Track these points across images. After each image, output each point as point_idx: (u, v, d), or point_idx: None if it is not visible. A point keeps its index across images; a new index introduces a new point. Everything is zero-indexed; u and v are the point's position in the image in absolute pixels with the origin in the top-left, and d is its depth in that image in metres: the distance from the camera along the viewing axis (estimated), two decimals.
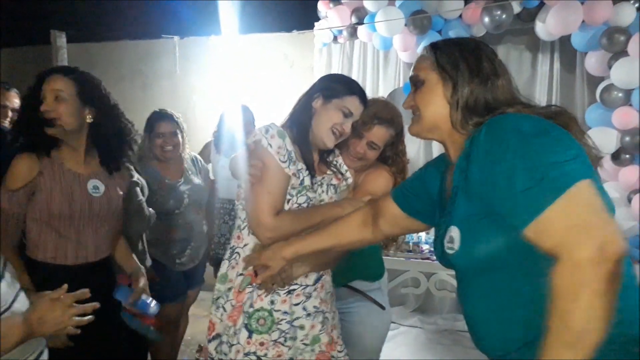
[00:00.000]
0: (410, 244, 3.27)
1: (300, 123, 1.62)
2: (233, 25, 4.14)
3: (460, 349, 3.37)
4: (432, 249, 3.25)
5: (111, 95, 1.84)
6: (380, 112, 1.79)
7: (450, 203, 1.15)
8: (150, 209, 2.29)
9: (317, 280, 1.64)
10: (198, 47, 4.61)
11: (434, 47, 1.20)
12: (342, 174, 1.74)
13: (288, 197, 1.57)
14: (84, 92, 1.73)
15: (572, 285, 0.84)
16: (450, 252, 1.12)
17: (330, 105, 1.60)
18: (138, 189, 2.22)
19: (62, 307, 1.19)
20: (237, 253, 1.63)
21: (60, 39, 4.27)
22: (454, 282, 2.97)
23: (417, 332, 3.65)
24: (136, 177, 2.20)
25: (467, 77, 1.13)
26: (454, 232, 1.10)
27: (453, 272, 1.24)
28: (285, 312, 1.57)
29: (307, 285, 1.62)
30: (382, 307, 1.91)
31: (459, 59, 1.15)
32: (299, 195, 1.58)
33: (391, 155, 1.84)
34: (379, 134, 1.77)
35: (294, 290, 1.59)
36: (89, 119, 1.74)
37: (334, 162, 1.75)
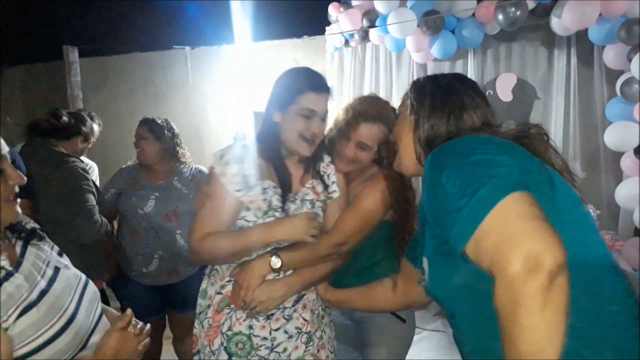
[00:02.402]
0: None
1: (267, 139, 1.54)
2: (244, 34, 4.14)
3: None
4: None
5: None
6: (365, 109, 1.68)
7: (422, 236, 1.15)
8: (103, 218, 2.30)
9: (297, 302, 1.56)
10: (209, 56, 4.61)
11: (414, 82, 1.22)
12: (326, 186, 1.63)
13: (254, 219, 1.49)
14: None
15: (508, 305, 0.78)
16: (423, 284, 1.14)
17: (289, 114, 1.49)
18: (89, 196, 2.26)
19: (133, 335, 1.14)
20: (216, 270, 1.60)
21: (73, 54, 4.29)
22: None
23: (440, 336, 3.58)
24: (88, 184, 2.27)
25: (428, 112, 1.14)
26: (425, 264, 1.10)
27: None
28: (265, 338, 1.52)
29: (286, 308, 1.54)
30: (402, 320, 1.78)
31: (425, 95, 1.16)
32: (265, 217, 1.50)
33: (386, 155, 1.66)
34: (366, 132, 1.64)
35: (273, 314, 1.53)
36: None
37: (322, 172, 1.63)
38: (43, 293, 1.04)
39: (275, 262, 1.49)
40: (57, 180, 2.25)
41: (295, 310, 1.56)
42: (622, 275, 0.96)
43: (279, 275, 1.52)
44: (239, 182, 1.48)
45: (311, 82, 1.51)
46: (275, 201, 1.51)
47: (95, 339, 1.13)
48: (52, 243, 1.18)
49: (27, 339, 0.98)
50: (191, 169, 2.68)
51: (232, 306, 1.53)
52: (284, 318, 1.55)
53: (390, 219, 1.72)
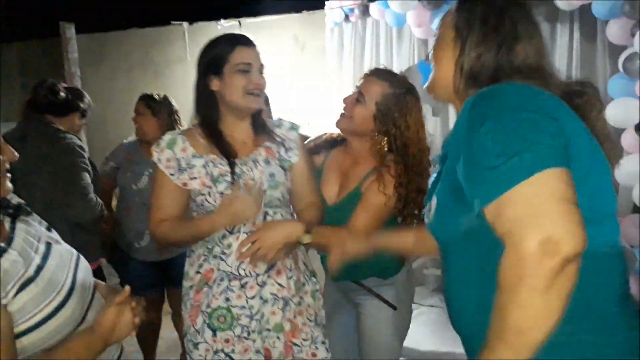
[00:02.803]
0: None
1: (205, 115, 1.59)
2: (242, 9, 4.08)
3: None
4: None
5: None
6: (378, 69, 1.75)
7: (438, 172, 1.10)
8: (98, 198, 2.29)
9: (270, 267, 1.57)
10: (207, 32, 4.54)
11: (461, 1, 1.08)
12: (285, 149, 1.65)
13: (207, 189, 1.54)
14: None
15: (512, 279, 0.77)
16: (426, 220, 1.10)
17: (225, 75, 1.52)
18: (85, 174, 2.24)
19: (129, 309, 1.15)
20: (193, 251, 1.62)
21: (70, 31, 4.24)
22: None
23: (438, 311, 3.62)
24: (85, 162, 2.26)
25: (477, 39, 1.00)
26: (433, 201, 1.06)
27: None
28: (243, 307, 1.55)
29: (258, 275, 1.56)
30: (392, 307, 1.79)
31: (476, 18, 1.01)
32: (217, 184, 1.54)
33: (389, 129, 1.66)
34: (368, 85, 1.70)
35: (247, 282, 1.55)
36: None
37: (281, 137, 1.65)
38: (39, 268, 1.04)
39: (306, 238, 1.54)
40: (53, 157, 2.21)
41: (269, 277, 1.57)
42: (624, 264, 0.95)
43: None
44: (173, 166, 1.55)
45: (236, 39, 1.57)
46: (217, 172, 1.54)
47: (92, 313, 1.14)
48: (39, 218, 1.17)
49: (27, 315, 0.99)
50: None
51: (209, 283, 1.55)
52: (258, 284, 1.56)
53: (397, 213, 1.71)
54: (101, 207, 2.30)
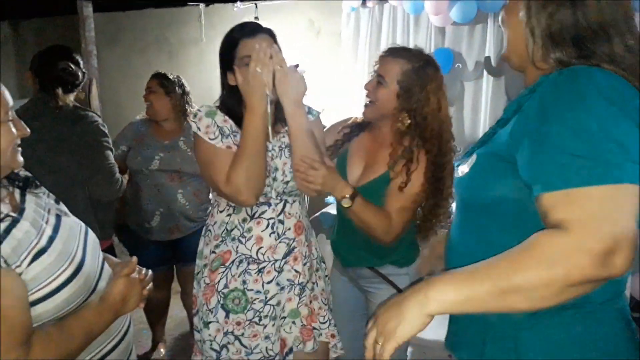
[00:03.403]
0: None
1: (232, 109, 1.60)
2: None
3: None
4: None
5: None
6: (392, 48, 1.75)
7: (489, 133, 1.05)
8: (121, 176, 2.31)
9: (287, 254, 1.60)
10: (223, 14, 4.54)
11: None
12: None
13: None
14: None
15: (556, 256, 0.77)
16: (457, 174, 1.07)
17: (238, 69, 1.51)
18: (109, 152, 2.24)
19: (138, 281, 1.19)
20: (210, 230, 1.65)
21: (87, 9, 4.24)
22: None
23: None
24: (108, 140, 2.25)
25: None
26: (472, 158, 1.03)
27: None
28: (258, 292, 1.57)
29: (277, 260, 1.59)
30: (401, 291, 1.80)
31: None
32: None
33: (410, 107, 1.64)
34: (386, 65, 1.69)
35: (264, 267, 1.58)
36: None
37: None
38: (51, 239, 1.06)
39: (346, 202, 1.58)
40: (76, 136, 2.18)
41: (286, 262, 1.60)
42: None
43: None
44: (213, 131, 1.54)
45: (241, 31, 1.55)
46: None
47: (102, 284, 1.16)
48: (47, 191, 1.19)
49: (41, 284, 1.02)
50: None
51: (227, 264, 1.57)
52: (275, 270, 1.59)
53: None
54: (122, 184, 2.32)
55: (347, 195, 1.57)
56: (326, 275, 1.77)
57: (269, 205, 1.60)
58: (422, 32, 3.81)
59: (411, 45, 3.80)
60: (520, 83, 3.62)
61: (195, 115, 1.57)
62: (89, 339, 1.09)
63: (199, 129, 1.54)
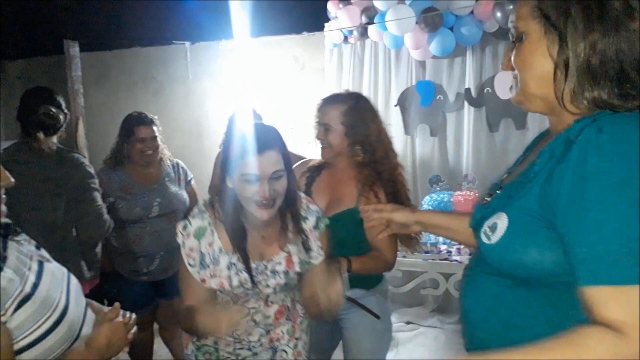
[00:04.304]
0: (428, 244, 3.23)
1: (226, 206, 1.42)
2: (243, 29, 4.14)
3: None
4: (450, 250, 3.20)
5: None
6: (324, 98, 1.89)
7: (516, 184, 0.91)
8: (108, 216, 2.26)
9: (263, 336, 1.54)
10: (209, 51, 4.62)
11: None
12: (307, 249, 1.49)
13: (222, 288, 1.44)
14: None
15: (604, 354, 0.72)
16: (485, 240, 0.91)
17: (235, 180, 1.36)
18: (97, 194, 2.22)
19: (122, 325, 1.18)
20: None
21: (74, 49, 4.29)
22: None
23: (436, 332, 3.61)
24: (95, 182, 2.23)
25: (583, 26, 0.79)
26: (502, 220, 0.88)
27: None
28: (230, 353, 1.54)
29: (251, 342, 1.53)
30: (376, 316, 1.83)
31: (570, 2, 0.81)
32: (234, 288, 1.44)
33: (359, 140, 1.81)
34: (327, 114, 1.84)
35: (238, 341, 1.52)
36: None
37: (306, 235, 1.49)
38: (35, 286, 1.06)
39: (346, 273, 1.68)
40: (62, 179, 2.17)
41: (261, 344, 1.55)
42: None
43: None
44: (194, 257, 1.43)
45: (255, 146, 1.33)
46: (237, 281, 1.43)
47: (85, 330, 1.15)
48: (28, 237, 1.19)
49: (25, 332, 1.01)
50: (174, 165, 2.69)
51: None
52: (249, 349, 1.54)
53: None
54: (110, 226, 2.29)
55: (345, 269, 1.68)
56: (308, 323, 1.68)
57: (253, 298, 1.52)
58: (403, 66, 3.92)
59: (393, 79, 3.95)
60: (500, 113, 3.74)
61: (184, 228, 1.44)
62: None
63: (183, 245, 1.44)
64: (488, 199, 1.01)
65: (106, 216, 2.25)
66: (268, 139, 1.36)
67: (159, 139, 2.59)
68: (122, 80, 4.90)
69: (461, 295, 1.01)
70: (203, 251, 1.43)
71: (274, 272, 1.48)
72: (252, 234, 1.45)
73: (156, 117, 2.65)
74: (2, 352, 0.96)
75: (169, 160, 2.69)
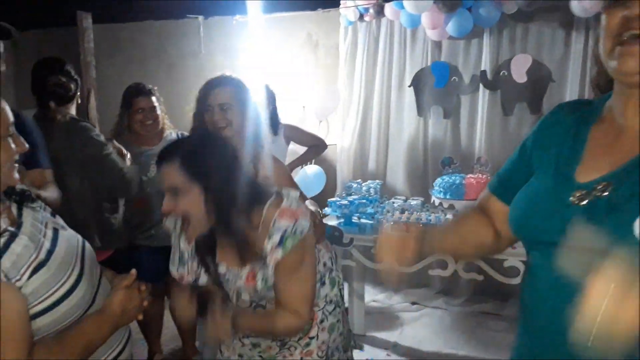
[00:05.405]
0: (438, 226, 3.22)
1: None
2: (257, 5, 4.09)
3: (484, 332, 3.35)
4: None
5: None
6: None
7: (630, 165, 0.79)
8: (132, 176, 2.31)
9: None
10: (222, 26, 4.58)
11: None
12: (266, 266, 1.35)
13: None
14: None
15: None
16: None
17: None
18: (114, 157, 2.27)
19: (136, 292, 1.21)
20: None
21: (87, 20, 4.28)
22: (483, 265, 2.92)
23: (441, 313, 3.63)
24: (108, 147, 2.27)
25: None
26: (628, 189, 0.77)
27: None
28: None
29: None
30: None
31: None
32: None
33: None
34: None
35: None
36: None
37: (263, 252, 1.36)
38: (50, 253, 1.07)
39: None
40: (75, 147, 2.21)
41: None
42: None
43: None
44: (173, 254, 1.47)
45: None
46: (204, 281, 1.43)
47: (100, 296, 1.17)
48: (43, 204, 1.20)
49: (41, 298, 1.02)
50: (178, 136, 2.70)
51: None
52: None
53: None
54: (135, 181, 2.36)
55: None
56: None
57: None
58: (418, 46, 3.86)
59: (407, 58, 3.88)
60: (516, 96, 3.68)
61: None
62: (89, 351, 1.09)
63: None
64: (579, 200, 0.85)
65: (129, 174, 2.30)
66: (170, 151, 1.28)
67: (158, 110, 2.60)
68: (134, 54, 4.88)
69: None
70: (181, 249, 1.45)
71: (237, 284, 1.41)
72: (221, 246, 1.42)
73: (155, 87, 2.65)
74: (18, 317, 0.97)
75: (172, 130, 2.71)
